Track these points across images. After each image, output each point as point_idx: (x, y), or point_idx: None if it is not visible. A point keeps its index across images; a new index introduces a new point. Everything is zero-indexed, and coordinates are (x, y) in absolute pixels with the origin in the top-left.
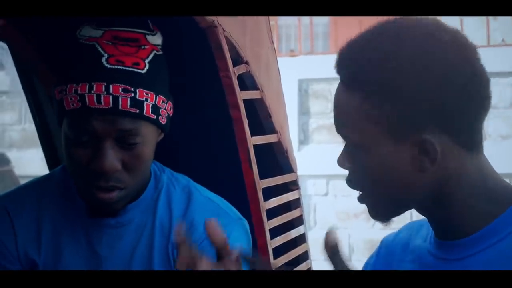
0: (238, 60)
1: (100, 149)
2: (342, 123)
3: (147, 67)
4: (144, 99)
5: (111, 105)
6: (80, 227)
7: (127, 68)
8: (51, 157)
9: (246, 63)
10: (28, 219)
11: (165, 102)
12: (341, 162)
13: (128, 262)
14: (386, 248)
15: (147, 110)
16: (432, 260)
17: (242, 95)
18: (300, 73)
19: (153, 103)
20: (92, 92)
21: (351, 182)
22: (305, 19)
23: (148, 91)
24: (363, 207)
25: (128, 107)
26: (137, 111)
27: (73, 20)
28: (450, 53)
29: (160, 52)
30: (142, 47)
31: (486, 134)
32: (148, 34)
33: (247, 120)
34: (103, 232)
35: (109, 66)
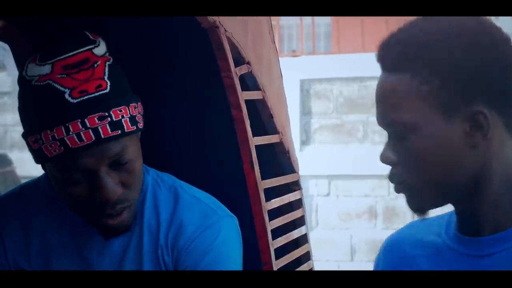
0: (239, 60)
1: (98, 180)
2: (391, 108)
3: (109, 84)
4: (120, 117)
5: (93, 138)
6: (69, 234)
7: (93, 95)
8: None
9: (248, 63)
10: (16, 228)
11: (136, 106)
12: (386, 156)
13: (118, 267)
14: (390, 248)
15: (127, 126)
16: (453, 254)
17: (244, 96)
18: (302, 73)
19: (129, 115)
20: (70, 133)
21: (395, 176)
22: (307, 19)
23: (121, 107)
24: (365, 207)
25: (110, 132)
26: (119, 131)
27: (78, 27)
28: (493, 32)
29: (111, 60)
30: (95, 65)
31: None
32: (93, 48)
33: (248, 121)
34: (91, 238)
35: (75, 101)
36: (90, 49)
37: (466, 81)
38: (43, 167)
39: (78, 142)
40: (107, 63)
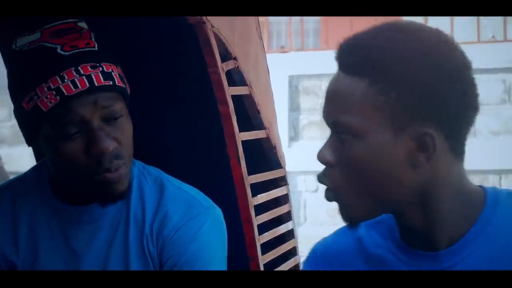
0: (226, 56)
1: (92, 133)
2: (341, 109)
3: (96, 44)
4: (110, 70)
5: (87, 85)
6: (56, 226)
7: (84, 49)
8: (39, 153)
9: (235, 59)
10: (4, 221)
11: (123, 73)
12: (323, 155)
13: (105, 257)
14: (329, 259)
15: (117, 80)
16: (403, 266)
17: (231, 91)
18: (290, 69)
19: (118, 73)
20: (66, 80)
21: (328, 177)
22: (296, 16)
23: (110, 64)
24: None
25: (102, 81)
26: (111, 82)
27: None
28: (457, 57)
29: (95, 33)
30: (82, 31)
31: (476, 130)
32: (77, 22)
33: (235, 116)
34: (78, 229)
35: (67, 53)
36: (74, 22)
37: (422, 101)
38: (36, 146)
39: (73, 89)
40: (92, 33)
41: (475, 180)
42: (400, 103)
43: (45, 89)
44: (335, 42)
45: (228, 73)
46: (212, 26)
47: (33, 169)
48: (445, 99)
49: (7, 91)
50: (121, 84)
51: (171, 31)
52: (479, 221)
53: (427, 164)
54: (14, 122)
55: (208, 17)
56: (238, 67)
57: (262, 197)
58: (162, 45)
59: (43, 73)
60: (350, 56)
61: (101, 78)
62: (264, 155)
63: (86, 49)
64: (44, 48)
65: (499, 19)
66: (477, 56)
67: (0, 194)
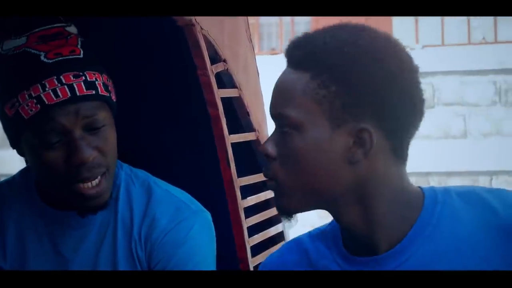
0: (216, 58)
1: (73, 142)
2: (284, 101)
3: (82, 51)
4: (94, 79)
5: (69, 94)
6: (44, 230)
7: (68, 57)
8: None
9: (224, 61)
10: None
11: (109, 79)
12: (264, 148)
13: (93, 262)
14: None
15: (101, 89)
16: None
17: (220, 93)
18: (281, 71)
19: (103, 81)
20: (47, 89)
21: (270, 169)
22: (286, 18)
23: (94, 72)
24: None
25: (85, 90)
26: (93, 92)
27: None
28: (402, 59)
29: (83, 38)
30: (68, 37)
31: (467, 132)
32: (66, 26)
33: (225, 118)
34: (66, 234)
35: (50, 61)
36: (63, 26)
37: (360, 96)
38: (19, 148)
39: (54, 98)
40: (80, 38)
41: (465, 182)
42: (339, 97)
43: (26, 96)
44: None
45: (218, 76)
46: (202, 29)
47: (20, 173)
48: (385, 97)
49: None
50: (104, 93)
51: (160, 33)
52: (418, 222)
53: (364, 161)
54: None
55: (198, 20)
56: (227, 69)
57: (252, 199)
58: (151, 47)
59: (25, 80)
60: (296, 50)
61: (84, 87)
62: (254, 157)
63: (70, 56)
64: (28, 54)
65: (489, 21)
66: (467, 57)
67: None
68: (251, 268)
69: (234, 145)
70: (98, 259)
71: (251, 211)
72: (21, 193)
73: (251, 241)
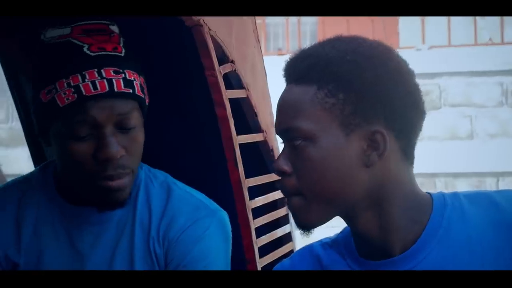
0: (224, 59)
1: (103, 138)
2: (293, 115)
3: (123, 50)
4: (132, 78)
5: (107, 88)
6: (61, 226)
7: (110, 53)
8: (37, 155)
9: (232, 62)
10: (7, 220)
11: (144, 83)
12: (278, 166)
13: (110, 259)
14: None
15: (138, 89)
16: None
17: (228, 94)
18: None
19: (140, 83)
20: (86, 80)
21: (289, 187)
22: (293, 18)
23: (134, 72)
24: None
25: (123, 87)
26: (130, 90)
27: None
28: (399, 63)
29: (124, 39)
30: (111, 35)
31: (473, 133)
32: (109, 24)
33: (232, 119)
34: (84, 230)
35: (93, 53)
36: (107, 24)
37: (369, 100)
38: (46, 138)
39: (92, 90)
40: (122, 38)
41: (472, 183)
42: (349, 104)
43: (65, 84)
44: None
45: (225, 76)
46: (210, 29)
47: (39, 169)
48: (390, 97)
49: (4, 93)
50: (140, 94)
51: (168, 34)
52: (430, 225)
53: (379, 163)
54: (11, 124)
55: (206, 20)
56: (235, 70)
57: (260, 200)
58: (159, 48)
59: (65, 69)
60: (297, 66)
61: (122, 84)
62: (262, 158)
63: (113, 53)
64: (71, 45)
65: (496, 22)
66: (474, 58)
67: (4, 194)
68: (259, 269)
69: (242, 146)
70: (115, 255)
71: (258, 212)
72: (39, 188)
73: (258, 242)
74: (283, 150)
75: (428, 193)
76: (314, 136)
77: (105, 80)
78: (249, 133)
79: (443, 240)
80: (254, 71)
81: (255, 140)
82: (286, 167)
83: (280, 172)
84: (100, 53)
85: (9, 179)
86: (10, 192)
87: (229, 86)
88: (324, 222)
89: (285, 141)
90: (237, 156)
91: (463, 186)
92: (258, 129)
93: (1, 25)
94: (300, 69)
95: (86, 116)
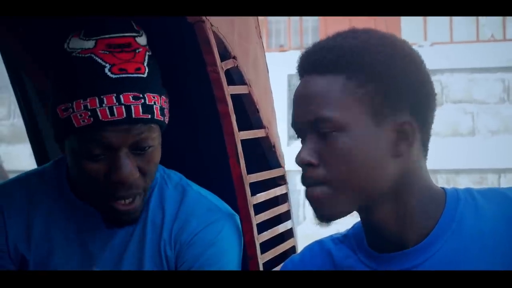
0: (226, 55)
1: (117, 160)
2: (322, 105)
3: (147, 70)
4: (152, 103)
5: (124, 115)
6: (73, 224)
7: (132, 75)
8: (39, 152)
9: (234, 58)
10: (19, 214)
11: (166, 101)
12: (302, 157)
13: (119, 259)
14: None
15: (157, 113)
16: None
17: (230, 90)
18: (289, 68)
19: (160, 105)
20: (104, 105)
21: (315, 177)
22: None
23: (154, 94)
24: None
25: (141, 113)
26: (149, 116)
27: (62, 25)
28: (415, 52)
29: (150, 52)
30: (137, 51)
31: (475, 129)
32: (137, 36)
33: (234, 115)
34: (96, 230)
35: (114, 76)
36: (134, 37)
37: (398, 90)
38: (61, 145)
39: (109, 116)
40: (147, 53)
41: (474, 179)
42: (379, 94)
43: (82, 106)
44: None
45: (227, 72)
46: (211, 25)
47: (53, 165)
48: (416, 88)
49: (6, 90)
50: (159, 118)
51: (170, 30)
52: (443, 218)
53: (406, 153)
54: (13, 120)
55: (207, 16)
56: (237, 66)
57: (262, 196)
58: (161, 44)
59: (84, 89)
60: (321, 57)
61: (141, 110)
62: (263, 154)
63: (135, 75)
64: (93, 62)
65: (498, 19)
66: (476, 55)
67: (17, 187)
68: (261, 265)
69: (243, 142)
70: (125, 256)
71: (260, 208)
72: (52, 185)
73: (260, 238)
74: (306, 141)
75: (442, 187)
76: (346, 125)
77: (123, 107)
78: (251, 129)
79: (456, 234)
80: (256, 67)
81: (257, 136)
82: (312, 158)
83: (305, 164)
84: (121, 75)
85: (11, 176)
86: (22, 186)
87: (231, 82)
88: (346, 215)
89: (309, 132)
90: (239, 152)
91: (464, 183)
92: (260, 125)
93: (16, 24)
94: (326, 60)
95: (101, 139)
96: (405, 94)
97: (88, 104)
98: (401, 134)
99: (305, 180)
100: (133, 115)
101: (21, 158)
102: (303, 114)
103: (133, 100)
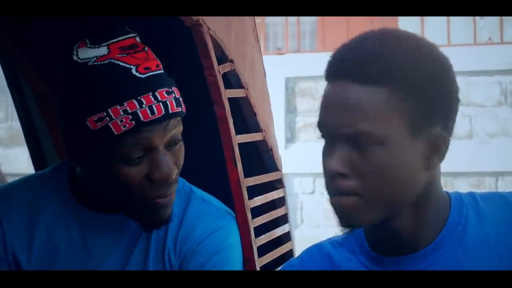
0: (223, 58)
1: (158, 158)
2: (364, 118)
3: (161, 66)
4: (179, 96)
5: (163, 112)
6: (77, 233)
7: (157, 72)
8: (36, 155)
9: (231, 61)
10: (19, 221)
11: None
12: (335, 166)
13: (123, 267)
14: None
15: (183, 106)
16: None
17: (227, 94)
18: (287, 71)
19: (180, 97)
20: (143, 106)
21: (345, 186)
22: (292, 18)
23: (175, 87)
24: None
25: (175, 108)
26: (180, 109)
27: (60, 27)
28: (446, 59)
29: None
30: (145, 49)
31: (472, 132)
32: (136, 36)
33: (232, 119)
34: (100, 238)
35: (143, 76)
36: (134, 37)
37: (435, 104)
38: (82, 161)
39: (150, 115)
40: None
41: (471, 183)
42: (419, 108)
43: (121, 112)
44: (332, 44)
45: (225, 76)
46: (209, 29)
47: (53, 170)
48: (450, 100)
49: (3, 93)
50: (184, 110)
51: (167, 33)
52: (449, 222)
53: (440, 163)
54: (11, 123)
55: (205, 19)
56: (234, 69)
57: (259, 200)
58: (158, 47)
59: (118, 95)
60: (365, 67)
61: (175, 104)
62: (261, 158)
63: (158, 72)
64: (116, 67)
65: (495, 21)
66: (473, 58)
67: (16, 192)
68: (258, 269)
69: (240, 145)
70: (128, 263)
71: (257, 211)
72: (53, 191)
73: (257, 241)
74: (337, 149)
75: (445, 191)
76: (384, 139)
77: (161, 104)
78: (248, 133)
79: (461, 238)
80: (253, 71)
81: (254, 140)
82: (343, 168)
83: (336, 173)
84: (148, 74)
85: (8, 179)
86: (22, 191)
87: (228, 86)
88: (371, 223)
89: (342, 141)
90: (236, 155)
91: (462, 186)
92: (257, 128)
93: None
94: (369, 71)
95: (143, 140)
96: (441, 107)
97: (128, 108)
98: (434, 148)
99: (334, 190)
100: (170, 110)
101: (19, 161)
102: (338, 123)
103: (167, 96)
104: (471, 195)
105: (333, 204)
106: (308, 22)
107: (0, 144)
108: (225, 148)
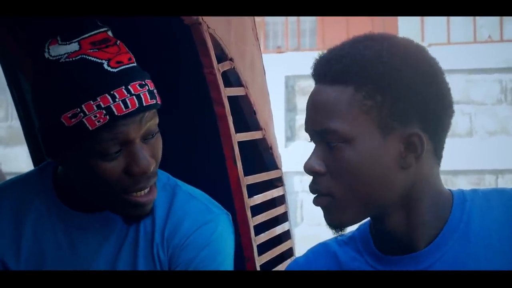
0: (222, 57)
1: (135, 152)
2: (329, 116)
3: (134, 59)
4: (153, 88)
5: (137, 105)
6: (63, 234)
7: (129, 66)
8: (36, 154)
9: (231, 60)
10: (6, 227)
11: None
12: (311, 166)
13: (113, 265)
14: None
15: (158, 97)
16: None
17: (227, 92)
18: (287, 69)
19: (154, 89)
20: (117, 100)
21: (320, 184)
22: (292, 17)
23: (148, 80)
24: None
25: (149, 100)
26: (154, 101)
27: (59, 25)
28: (431, 61)
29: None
30: (117, 43)
31: (472, 130)
32: (107, 30)
33: (231, 117)
34: (87, 237)
35: (115, 70)
36: (105, 31)
37: (406, 102)
38: (59, 158)
39: (124, 109)
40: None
41: (471, 180)
42: (386, 106)
43: (94, 107)
44: (332, 42)
45: (224, 74)
46: (208, 27)
47: (36, 172)
48: (426, 99)
49: (3, 92)
50: (159, 102)
51: (167, 32)
52: (451, 220)
53: (415, 165)
54: (11, 122)
55: (204, 18)
56: (234, 68)
57: (259, 198)
58: (158, 46)
59: (91, 90)
60: (331, 67)
61: (148, 97)
62: (261, 156)
63: (130, 65)
64: (88, 62)
65: (495, 20)
66: (473, 56)
67: (1, 196)
68: (258, 267)
69: (240, 143)
70: (118, 261)
71: (257, 209)
72: (37, 193)
73: (257, 240)
74: (315, 149)
75: (448, 189)
76: (351, 138)
77: (134, 97)
78: (248, 131)
79: (464, 235)
80: (253, 69)
81: (254, 138)
82: (319, 167)
83: (312, 172)
84: (121, 67)
85: (8, 177)
86: (5, 195)
87: (227, 84)
88: (357, 223)
89: (318, 140)
90: (236, 154)
91: (462, 184)
92: (257, 126)
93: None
94: (335, 70)
95: (118, 134)
96: (414, 106)
97: (101, 102)
98: (409, 146)
99: (312, 188)
100: (144, 103)
101: (19, 160)
102: (312, 123)
103: (140, 88)
104: (474, 191)
105: (313, 203)
106: (308, 20)
107: (0, 143)
108: (224, 147)
